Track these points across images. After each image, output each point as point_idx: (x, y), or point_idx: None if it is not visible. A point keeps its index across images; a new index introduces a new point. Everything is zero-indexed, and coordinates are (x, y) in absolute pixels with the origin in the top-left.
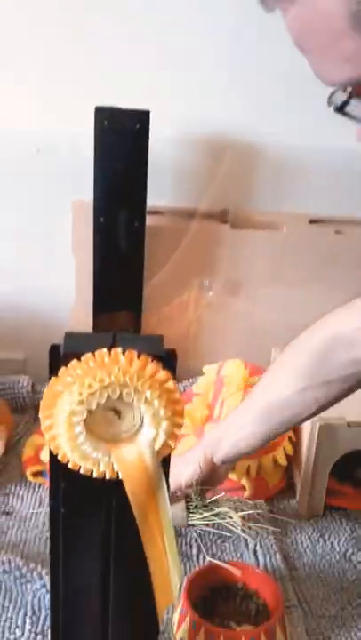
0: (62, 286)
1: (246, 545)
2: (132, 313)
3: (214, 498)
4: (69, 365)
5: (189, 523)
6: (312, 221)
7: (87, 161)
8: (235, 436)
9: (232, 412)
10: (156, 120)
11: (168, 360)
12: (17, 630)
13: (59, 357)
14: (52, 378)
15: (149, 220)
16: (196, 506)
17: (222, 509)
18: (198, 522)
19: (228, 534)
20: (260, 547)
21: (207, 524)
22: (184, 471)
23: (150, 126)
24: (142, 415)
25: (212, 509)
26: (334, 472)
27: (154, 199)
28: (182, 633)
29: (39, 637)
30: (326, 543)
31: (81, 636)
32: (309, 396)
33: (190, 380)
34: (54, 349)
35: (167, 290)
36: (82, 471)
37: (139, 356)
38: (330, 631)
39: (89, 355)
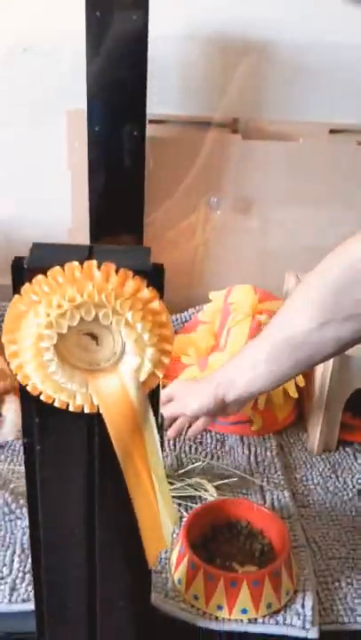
0: (58, 207)
1: (253, 481)
2: (133, 236)
3: (189, 468)
4: (34, 281)
5: None
6: (332, 131)
7: (81, 63)
8: (247, 376)
9: (245, 349)
10: (156, 15)
11: (154, 276)
12: (4, 569)
13: (22, 271)
14: (15, 296)
15: (151, 131)
16: (168, 475)
17: (196, 480)
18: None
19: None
20: (268, 483)
21: (179, 496)
22: (192, 403)
23: (150, 21)
24: (124, 341)
25: (184, 479)
26: (348, 406)
27: (155, 106)
28: (180, 574)
29: (27, 576)
30: (338, 480)
31: (65, 579)
32: (330, 332)
33: (197, 308)
34: (17, 262)
35: (171, 210)
36: (56, 404)
37: (117, 271)
38: (340, 573)
39: (57, 268)
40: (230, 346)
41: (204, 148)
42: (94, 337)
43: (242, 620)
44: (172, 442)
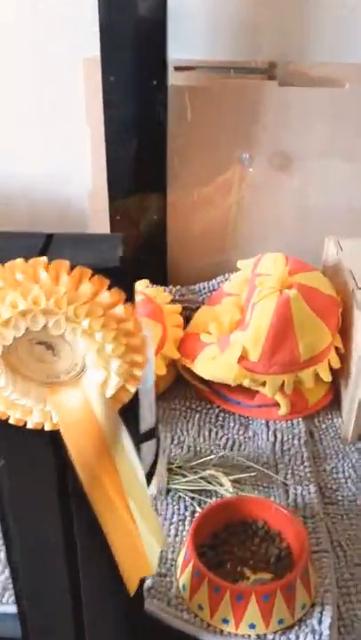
0: (78, 167)
1: (276, 472)
2: (155, 196)
3: (203, 460)
4: None
5: (170, 487)
6: None
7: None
8: None
9: None
10: None
11: (121, 273)
12: None
13: None
14: None
15: (176, 78)
16: (180, 467)
17: (210, 472)
18: (181, 486)
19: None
20: (292, 475)
21: (192, 490)
22: None
23: None
24: (83, 352)
25: (197, 472)
26: None
27: (180, 51)
28: (185, 580)
29: None
30: None
31: (48, 600)
32: None
33: (225, 276)
34: None
35: (198, 166)
36: (11, 422)
37: (72, 269)
38: None
39: None
40: (254, 323)
41: (236, 96)
42: (50, 346)
43: (249, 636)
44: (190, 424)
